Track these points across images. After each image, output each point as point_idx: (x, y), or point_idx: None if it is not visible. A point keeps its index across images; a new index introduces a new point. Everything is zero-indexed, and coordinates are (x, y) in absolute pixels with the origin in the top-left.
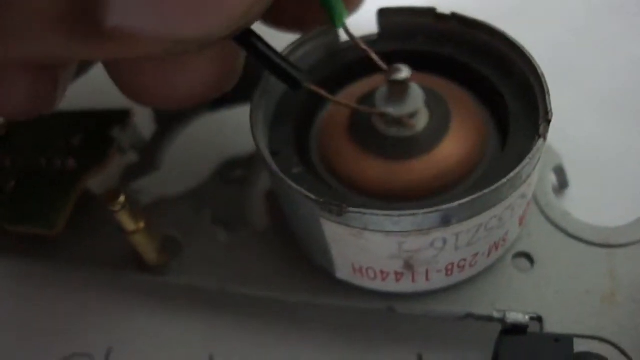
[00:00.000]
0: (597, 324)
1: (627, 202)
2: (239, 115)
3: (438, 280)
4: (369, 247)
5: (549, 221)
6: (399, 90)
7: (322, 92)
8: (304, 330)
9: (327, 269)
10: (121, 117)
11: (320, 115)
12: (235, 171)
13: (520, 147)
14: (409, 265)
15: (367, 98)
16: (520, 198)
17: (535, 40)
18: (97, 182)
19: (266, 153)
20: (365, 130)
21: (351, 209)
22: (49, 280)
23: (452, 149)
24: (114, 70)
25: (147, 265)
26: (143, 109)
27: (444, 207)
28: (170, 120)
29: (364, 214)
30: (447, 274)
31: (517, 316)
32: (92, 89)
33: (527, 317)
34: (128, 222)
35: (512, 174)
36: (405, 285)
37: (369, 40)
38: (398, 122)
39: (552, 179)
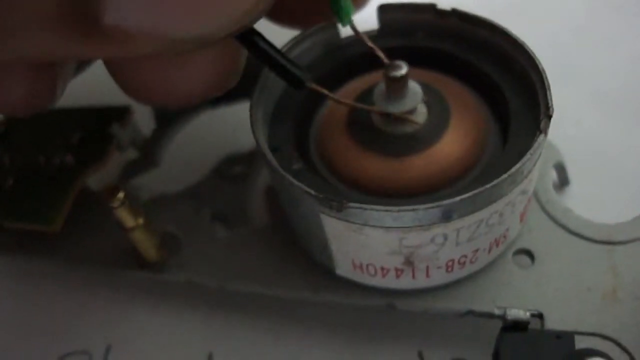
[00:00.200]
0: (598, 320)
1: (628, 199)
2: (239, 112)
3: (438, 277)
4: (369, 243)
5: (549, 218)
6: (397, 87)
7: (324, 91)
8: (304, 327)
9: (327, 265)
10: (120, 114)
11: (320, 111)
12: (234, 168)
13: (521, 142)
14: (409, 262)
15: (366, 95)
16: (521, 194)
17: (536, 39)
18: (96, 179)
19: (266, 149)
20: (365, 127)
21: (351, 205)
22: (47, 278)
23: (452, 145)
24: (114, 67)
25: (146, 262)
26: (142, 106)
27: (445, 202)
28: (170, 117)
29: (364, 209)
30: (447, 271)
31: (517, 313)
32: (91, 86)
33: (528, 314)
34: (127, 219)
35: (513, 169)
36: (406, 282)
37: (369, 36)
38: (397, 118)
39: (553, 175)
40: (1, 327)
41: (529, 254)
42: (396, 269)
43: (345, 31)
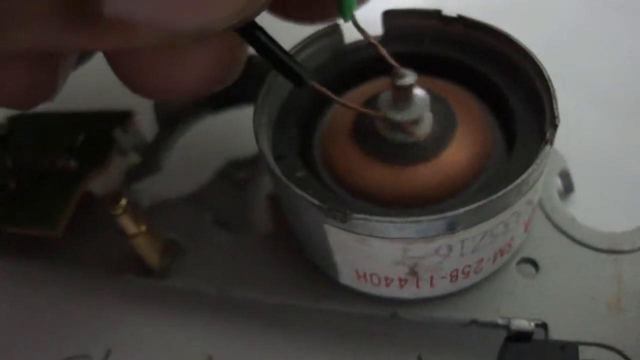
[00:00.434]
0: (602, 330)
1: (633, 207)
2: (242, 117)
3: (442, 287)
4: (373, 254)
5: (554, 226)
6: (403, 95)
7: (325, 91)
8: (306, 335)
9: (331, 274)
10: (123, 118)
11: (324, 119)
12: (238, 173)
13: (527, 152)
14: (413, 272)
15: (371, 102)
16: (527, 204)
17: (536, 39)
18: (98, 184)
19: (269, 157)
20: (369, 135)
21: (356, 216)
22: (48, 282)
23: (457, 154)
24: (114, 60)
25: (149, 269)
26: (145, 110)
27: (449, 214)
28: (172, 121)
29: (369, 220)
30: (451, 280)
31: (521, 323)
32: (94, 90)
33: (532, 324)
34: (130, 226)
35: (518, 180)
36: (409, 291)
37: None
38: (401, 127)
39: (558, 183)
40: (1, 331)
41: (534, 263)
42: (400, 279)
43: (350, 36)
